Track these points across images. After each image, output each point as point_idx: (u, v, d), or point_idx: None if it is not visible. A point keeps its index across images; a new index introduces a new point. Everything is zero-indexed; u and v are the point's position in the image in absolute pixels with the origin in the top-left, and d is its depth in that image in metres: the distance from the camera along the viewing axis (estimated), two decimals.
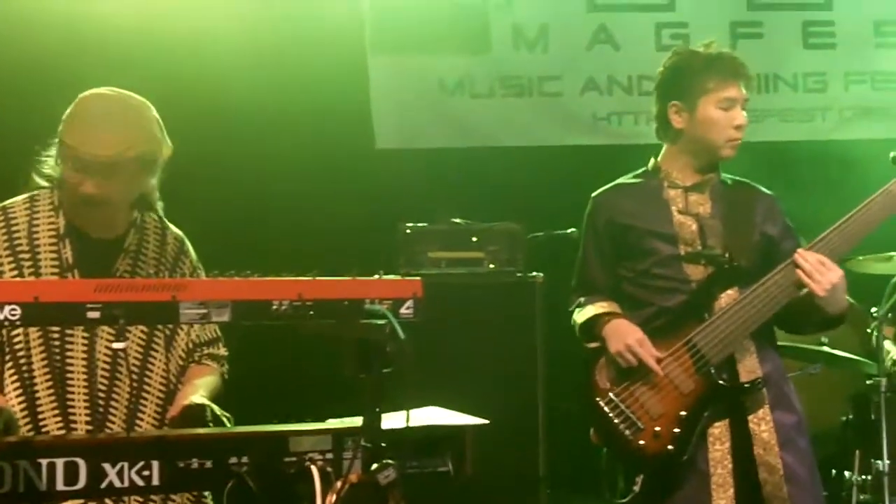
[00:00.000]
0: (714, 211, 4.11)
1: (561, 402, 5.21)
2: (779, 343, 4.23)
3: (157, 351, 3.60)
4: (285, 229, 6.28)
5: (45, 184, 3.56)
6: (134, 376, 3.53)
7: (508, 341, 5.58)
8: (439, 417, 3.22)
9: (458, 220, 5.87)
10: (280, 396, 5.53)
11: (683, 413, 3.95)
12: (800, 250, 3.91)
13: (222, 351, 3.79)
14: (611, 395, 4.01)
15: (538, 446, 5.56)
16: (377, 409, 2.73)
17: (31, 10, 6.15)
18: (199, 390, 3.54)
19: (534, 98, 6.95)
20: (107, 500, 3.13)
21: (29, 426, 3.44)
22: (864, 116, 7.15)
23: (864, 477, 5.38)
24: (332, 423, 3.02)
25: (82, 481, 2.76)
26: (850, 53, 7.15)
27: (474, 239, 5.81)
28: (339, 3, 6.62)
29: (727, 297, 4.00)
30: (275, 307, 2.74)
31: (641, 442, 3.95)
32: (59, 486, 2.75)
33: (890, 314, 5.43)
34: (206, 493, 3.50)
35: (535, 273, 5.74)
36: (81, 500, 2.83)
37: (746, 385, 3.97)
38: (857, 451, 5.48)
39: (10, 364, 3.48)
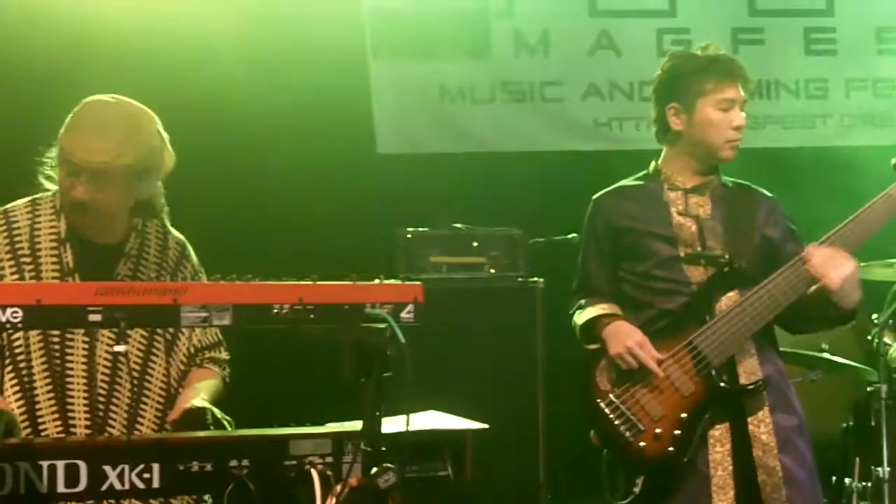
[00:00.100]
0: (714, 213, 4.11)
1: (561, 407, 5.21)
2: (780, 349, 4.23)
3: (157, 356, 3.59)
4: (286, 233, 6.28)
5: (49, 185, 3.55)
6: (135, 380, 3.53)
7: (509, 346, 5.58)
8: (439, 422, 3.23)
9: (459, 225, 5.88)
10: (280, 400, 5.52)
11: (684, 415, 3.95)
12: (810, 246, 3.91)
13: (224, 355, 3.78)
14: (611, 396, 4.01)
15: (538, 451, 5.55)
16: (377, 413, 2.74)
17: (35, 15, 6.15)
18: (200, 394, 3.53)
19: (535, 104, 6.94)
20: (107, 503, 3.13)
21: (28, 430, 3.43)
22: (866, 123, 7.14)
23: (864, 484, 5.38)
24: (333, 427, 3.03)
25: (83, 483, 2.78)
26: (852, 60, 7.14)
27: (475, 244, 5.82)
28: (340, 8, 6.61)
29: (727, 299, 4.01)
30: (275, 311, 2.75)
31: (642, 443, 3.96)
32: (60, 488, 2.77)
33: (891, 321, 5.42)
34: (207, 496, 3.49)
35: (535, 278, 5.75)
36: (82, 503, 2.83)
37: (747, 387, 3.98)
38: (857, 458, 5.48)
39: (9, 368, 3.48)
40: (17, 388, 3.47)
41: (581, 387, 4.08)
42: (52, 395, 3.46)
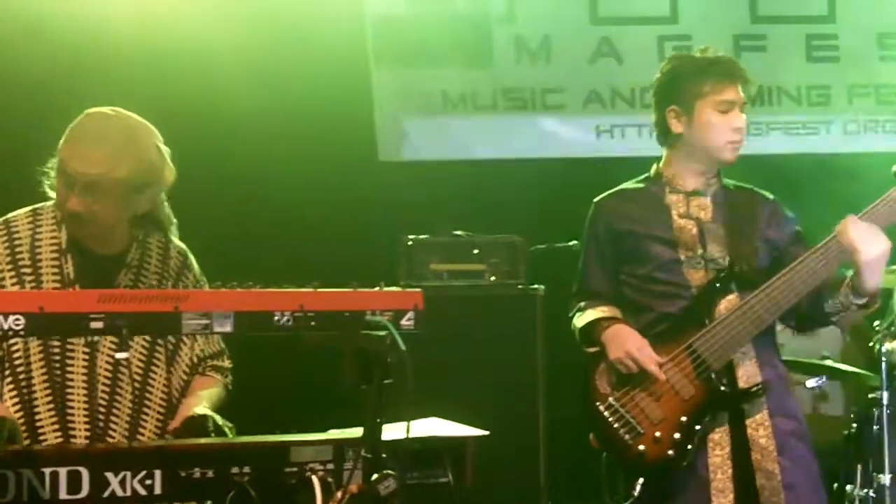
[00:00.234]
0: (715, 216, 4.11)
1: (562, 413, 5.21)
2: (782, 358, 4.24)
3: (158, 366, 3.59)
4: (288, 241, 6.29)
5: (52, 194, 3.55)
6: (136, 389, 3.53)
7: (509, 353, 5.58)
8: (440, 428, 3.23)
9: (459, 233, 5.88)
10: (281, 407, 5.52)
11: (684, 418, 3.96)
12: (849, 216, 3.88)
13: (226, 363, 3.78)
14: (611, 399, 4.02)
15: (539, 457, 5.56)
16: (378, 420, 2.74)
17: (36, 23, 6.16)
18: (202, 402, 3.54)
19: (536, 111, 6.95)
20: None
21: (28, 441, 3.41)
22: (868, 130, 7.14)
23: (866, 491, 5.38)
24: (333, 434, 3.04)
25: (85, 490, 2.78)
26: (854, 66, 7.14)
27: (476, 251, 5.82)
28: (342, 16, 6.62)
29: (727, 302, 4.01)
30: (276, 318, 2.75)
31: (641, 447, 3.97)
32: (62, 494, 2.77)
33: (893, 328, 5.42)
34: (208, 503, 3.50)
35: (536, 285, 5.75)
36: None
37: (746, 391, 3.98)
38: (859, 465, 5.47)
39: (9, 379, 3.47)
40: (16, 400, 3.46)
41: (580, 390, 4.10)
42: (51, 406, 3.46)
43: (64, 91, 5.90)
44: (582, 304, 4.23)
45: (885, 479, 5.18)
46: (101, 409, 3.47)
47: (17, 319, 2.60)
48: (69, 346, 3.49)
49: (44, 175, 3.55)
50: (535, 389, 5.59)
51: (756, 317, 3.94)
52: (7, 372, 3.48)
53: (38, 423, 3.45)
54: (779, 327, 4.21)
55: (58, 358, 3.48)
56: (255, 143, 6.39)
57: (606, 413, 4.01)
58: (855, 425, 5.72)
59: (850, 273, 3.93)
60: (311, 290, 2.79)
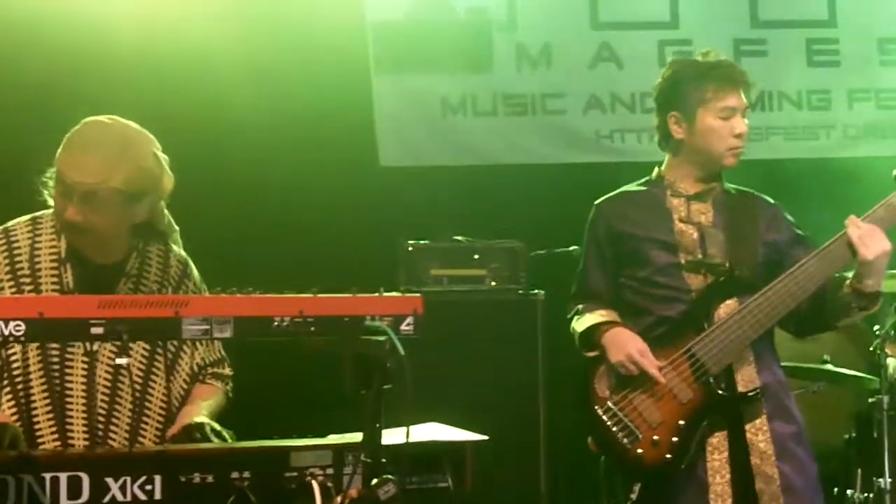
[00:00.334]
0: (716, 220, 4.12)
1: (562, 418, 5.22)
2: (782, 364, 4.24)
3: (157, 375, 3.57)
4: (288, 246, 6.29)
5: (52, 202, 3.52)
6: (136, 396, 3.52)
7: (510, 358, 5.59)
8: (439, 433, 3.24)
9: (460, 238, 5.89)
10: (281, 412, 5.52)
11: (682, 422, 3.96)
12: (852, 217, 3.90)
13: (227, 370, 3.77)
14: (609, 403, 4.03)
15: (539, 463, 5.56)
16: (377, 425, 2.75)
17: (35, 27, 6.17)
18: (201, 410, 3.53)
19: (537, 116, 6.95)
20: None
21: None
22: (869, 134, 7.13)
23: (865, 495, 5.39)
24: (333, 439, 3.05)
25: (85, 495, 2.79)
26: (855, 71, 7.12)
27: (476, 256, 5.83)
28: (342, 22, 6.63)
29: (726, 307, 4.02)
30: (276, 323, 2.76)
31: (639, 451, 3.97)
32: (63, 500, 2.78)
33: (893, 332, 5.42)
34: None
35: (536, 291, 5.76)
36: None
37: (745, 395, 3.99)
38: (860, 469, 5.48)
39: (7, 389, 3.46)
40: (13, 409, 3.44)
41: (579, 394, 4.10)
42: (51, 415, 3.45)
43: (64, 94, 5.93)
44: (580, 306, 4.24)
45: (885, 482, 5.18)
46: (101, 418, 3.46)
47: (18, 325, 2.61)
48: (68, 355, 3.47)
49: (43, 185, 3.53)
50: (535, 394, 5.59)
51: (755, 321, 3.95)
52: (6, 382, 3.47)
53: (38, 433, 3.43)
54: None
55: (56, 367, 3.46)
56: (256, 149, 6.40)
57: (605, 417, 4.02)
58: (855, 429, 5.73)
59: (849, 275, 3.94)
60: (310, 295, 2.80)
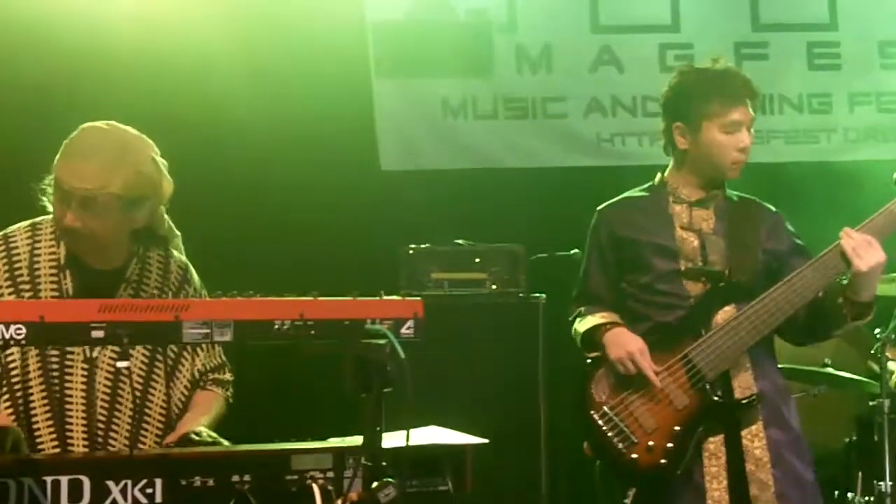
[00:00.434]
0: (717, 227, 4.11)
1: (563, 422, 5.22)
2: (782, 365, 4.24)
3: (157, 381, 3.56)
4: (288, 249, 6.30)
5: (51, 208, 3.51)
6: (136, 400, 3.51)
7: (510, 362, 5.60)
8: (439, 436, 3.24)
9: (460, 241, 5.90)
10: (281, 415, 5.54)
11: (677, 428, 3.97)
12: (846, 229, 3.91)
13: (227, 376, 3.75)
14: (605, 408, 4.03)
15: (540, 467, 5.57)
16: (377, 428, 2.75)
17: (35, 31, 6.18)
18: (200, 418, 3.53)
19: (537, 119, 6.95)
20: None
21: None
22: (869, 137, 7.13)
23: (866, 498, 5.39)
24: (334, 442, 3.05)
25: (86, 499, 2.80)
26: (856, 74, 7.12)
27: (477, 260, 5.83)
28: (343, 25, 6.63)
29: (724, 313, 4.02)
30: (277, 327, 2.76)
31: (634, 455, 3.97)
32: (63, 503, 2.78)
33: (894, 335, 5.43)
34: None
35: (537, 294, 5.76)
36: None
37: (741, 401, 3.99)
38: (860, 473, 5.48)
39: (6, 397, 3.45)
40: (12, 415, 3.43)
41: (576, 398, 4.10)
42: (50, 421, 3.44)
43: (63, 96, 5.94)
44: (582, 308, 4.24)
45: (886, 486, 5.19)
46: (101, 425, 3.45)
47: (19, 329, 2.61)
48: (67, 362, 3.46)
49: (41, 192, 3.52)
50: (536, 397, 5.60)
51: (752, 328, 3.95)
52: (4, 388, 3.46)
53: (38, 439, 3.43)
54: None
55: (56, 373, 3.45)
56: (257, 152, 6.41)
57: (600, 421, 4.02)
58: (856, 433, 5.73)
59: (845, 282, 3.95)
60: (311, 298, 2.80)
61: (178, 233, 3.71)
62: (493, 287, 5.81)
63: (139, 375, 3.53)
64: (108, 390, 3.48)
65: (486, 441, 3.17)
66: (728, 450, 3.97)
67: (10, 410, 3.44)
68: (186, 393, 3.63)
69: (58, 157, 3.43)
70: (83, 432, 3.44)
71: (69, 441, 3.44)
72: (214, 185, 6.17)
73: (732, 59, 6.81)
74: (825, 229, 4.16)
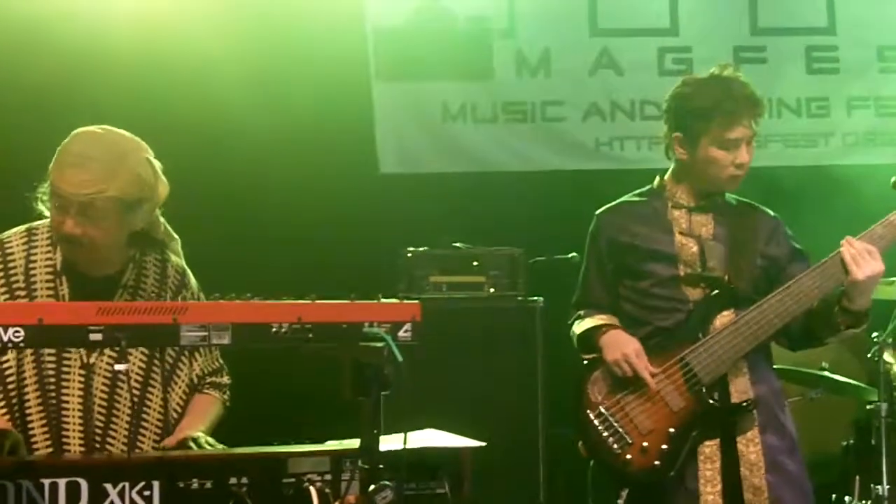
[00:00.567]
0: (716, 232, 4.12)
1: (561, 426, 5.22)
2: (780, 368, 4.24)
3: (154, 386, 3.56)
4: (287, 253, 6.29)
5: (47, 213, 3.50)
6: (134, 399, 3.51)
7: (509, 365, 5.59)
8: (437, 440, 3.24)
9: (459, 245, 5.90)
10: (279, 418, 5.53)
11: (672, 430, 3.97)
12: (847, 237, 3.92)
13: (225, 379, 3.76)
14: (601, 408, 4.04)
15: (539, 470, 5.56)
16: (375, 431, 2.75)
17: (35, 35, 6.18)
18: (197, 423, 3.53)
19: (536, 123, 6.95)
20: None
21: None
22: (868, 142, 7.12)
23: (863, 502, 5.38)
24: (331, 445, 3.05)
25: (84, 501, 2.80)
26: (854, 78, 7.12)
27: (475, 263, 5.83)
28: (343, 29, 6.64)
29: (723, 318, 4.02)
30: (274, 330, 2.76)
31: (628, 456, 3.98)
32: None
33: (891, 339, 5.42)
34: None
35: (535, 297, 5.76)
36: None
37: (736, 406, 4.00)
38: (858, 477, 5.48)
39: (2, 403, 3.44)
40: (7, 420, 3.42)
41: (573, 398, 4.10)
42: (45, 427, 3.43)
43: (63, 97, 5.94)
44: (581, 312, 4.25)
45: (883, 489, 5.18)
46: (98, 429, 3.45)
47: (17, 331, 2.62)
48: (64, 368, 3.46)
49: (36, 200, 3.51)
50: (535, 401, 5.60)
51: (749, 333, 3.96)
52: (0, 396, 3.45)
53: (33, 444, 3.41)
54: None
55: (52, 378, 3.44)
56: (256, 156, 6.41)
57: (596, 421, 4.03)
58: (853, 436, 5.73)
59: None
60: (309, 301, 2.81)
61: (176, 237, 3.71)
62: (492, 290, 5.81)
63: (137, 379, 3.53)
64: (105, 395, 3.48)
65: (484, 444, 3.18)
66: (723, 454, 3.98)
67: (6, 416, 3.43)
68: (184, 397, 3.62)
69: (52, 164, 3.42)
70: (80, 437, 3.44)
71: (66, 448, 3.42)
72: (213, 188, 6.17)
73: (731, 63, 6.82)
74: (823, 233, 4.17)
